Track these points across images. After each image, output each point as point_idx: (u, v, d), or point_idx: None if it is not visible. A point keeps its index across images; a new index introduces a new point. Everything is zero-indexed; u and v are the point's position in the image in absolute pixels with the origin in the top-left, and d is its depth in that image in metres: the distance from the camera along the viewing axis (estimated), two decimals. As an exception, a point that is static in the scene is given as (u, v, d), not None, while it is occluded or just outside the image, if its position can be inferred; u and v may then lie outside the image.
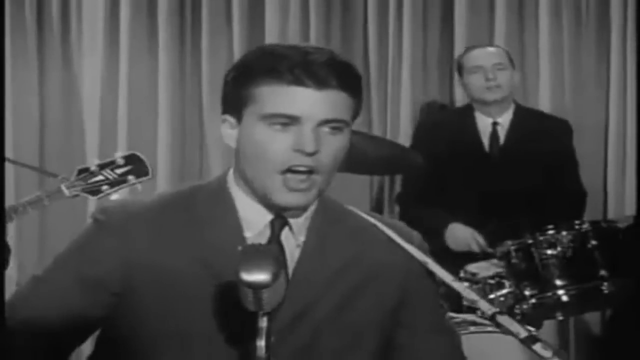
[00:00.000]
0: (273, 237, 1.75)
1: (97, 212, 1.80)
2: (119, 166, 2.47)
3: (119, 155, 2.49)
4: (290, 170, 1.67)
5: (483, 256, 3.60)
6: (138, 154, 2.50)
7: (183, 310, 1.71)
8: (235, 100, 1.72)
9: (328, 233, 1.79)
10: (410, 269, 1.83)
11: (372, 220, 1.85)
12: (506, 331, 1.72)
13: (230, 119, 1.74)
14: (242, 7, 4.46)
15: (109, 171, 2.46)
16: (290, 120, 1.67)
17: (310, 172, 1.68)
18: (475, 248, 3.74)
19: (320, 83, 1.66)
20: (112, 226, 1.75)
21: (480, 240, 3.74)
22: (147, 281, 1.71)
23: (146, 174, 2.46)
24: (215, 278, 1.70)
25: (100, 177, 2.45)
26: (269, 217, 1.75)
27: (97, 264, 1.73)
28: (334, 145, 1.70)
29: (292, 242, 1.77)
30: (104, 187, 2.44)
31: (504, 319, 1.73)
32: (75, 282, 1.73)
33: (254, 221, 1.75)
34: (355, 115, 1.75)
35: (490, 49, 4.01)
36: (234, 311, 1.55)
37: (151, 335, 1.73)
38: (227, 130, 1.75)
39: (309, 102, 1.66)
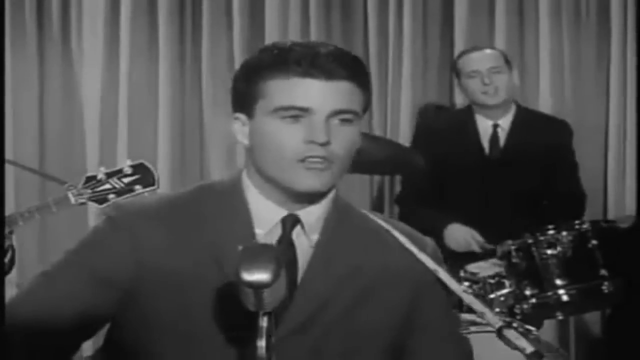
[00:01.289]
0: (284, 235, 1.75)
1: (110, 208, 1.82)
2: (126, 175, 2.47)
3: (127, 164, 2.49)
4: (305, 160, 1.69)
5: (483, 255, 3.60)
6: (146, 163, 2.50)
7: (193, 307, 1.72)
8: (245, 98, 1.74)
9: (342, 235, 1.79)
10: (423, 275, 1.82)
11: (385, 225, 1.85)
12: (512, 346, 1.72)
13: (242, 116, 1.76)
14: (242, 7, 4.46)
15: (116, 180, 2.45)
16: (301, 112, 1.68)
17: (324, 160, 1.69)
18: (475, 247, 3.73)
19: (328, 74, 1.68)
20: (123, 223, 1.75)
21: (479, 238, 3.74)
22: (157, 278, 1.72)
23: (153, 184, 2.46)
24: (224, 274, 1.70)
25: (107, 186, 2.45)
26: (281, 214, 1.76)
27: (108, 260, 1.73)
28: (346, 136, 1.71)
29: (305, 241, 1.78)
30: (111, 196, 2.44)
31: (510, 333, 1.73)
32: (86, 277, 1.74)
33: (266, 218, 1.76)
34: (365, 107, 1.76)
35: (487, 51, 3.92)
36: (243, 309, 1.56)
37: (160, 332, 1.73)
38: (239, 128, 1.77)
39: (319, 93, 1.68)
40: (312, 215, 1.77)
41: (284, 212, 1.76)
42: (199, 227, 1.75)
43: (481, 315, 1.80)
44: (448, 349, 1.88)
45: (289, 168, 1.70)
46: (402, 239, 1.83)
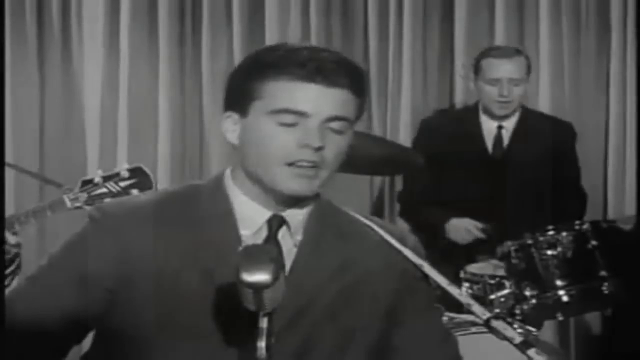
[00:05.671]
0: (270, 236, 1.76)
1: (93, 210, 1.81)
2: (123, 179, 2.45)
3: (123, 168, 2.47)
4: (295, 164, 1.69)
5: (489, 242, 3.59)
6: (143, 167, 2.48)
7: (178, 308, 1.71)
8: (241, 96, 1.73)
9: (324, 233, 1.80)
10: (404, 271, 1.83)
11: (366, 221, 1.85)
12: (500, 336, 1.73)
13: (234, 114, 1.75)
14: (242, 8, 4.46)
15: (112, 184, 2.44)
16: (297, 117, 1.68)
17: (314, 166, 1.70)
18: (478, 234, 3.75)
19: (330, 81, 1.68)
20: (107, 224, 1.75)
21: (479, 224, 3.75)
22: (141, 279, 1.71)
23: (150, 187, 2.45)
24: (209, 275, 1.70)
25: (103, 190, 2.44)
26: (266, 215, 1.76)
27: (92, 261, 1.73)
28: (338, 143, 1.72)
29: (289, 241, 1.78)
30: (107, 200, 2.43)
31: (498, 324, 1.73)
32: (71, 279, 1.73)
33: (251, 219, 1.76)
34: (358, 116, 1.76)
35: (514, 59, 3.83)
36: (229, 309, 1.56)
37: (146, 334, 1.73)
38: (230, 126, 1.76)
39: (318, 98, 1.69)
40: (297, 216, 1.78)
41: (268, 213, 1.76)
42: (185, 228, 1.74)
43: (468, 306, 1.80)
44: (432, 345, 1.87)
45: (277, 170, 1.70)
46: (384, 234, 1.83)
